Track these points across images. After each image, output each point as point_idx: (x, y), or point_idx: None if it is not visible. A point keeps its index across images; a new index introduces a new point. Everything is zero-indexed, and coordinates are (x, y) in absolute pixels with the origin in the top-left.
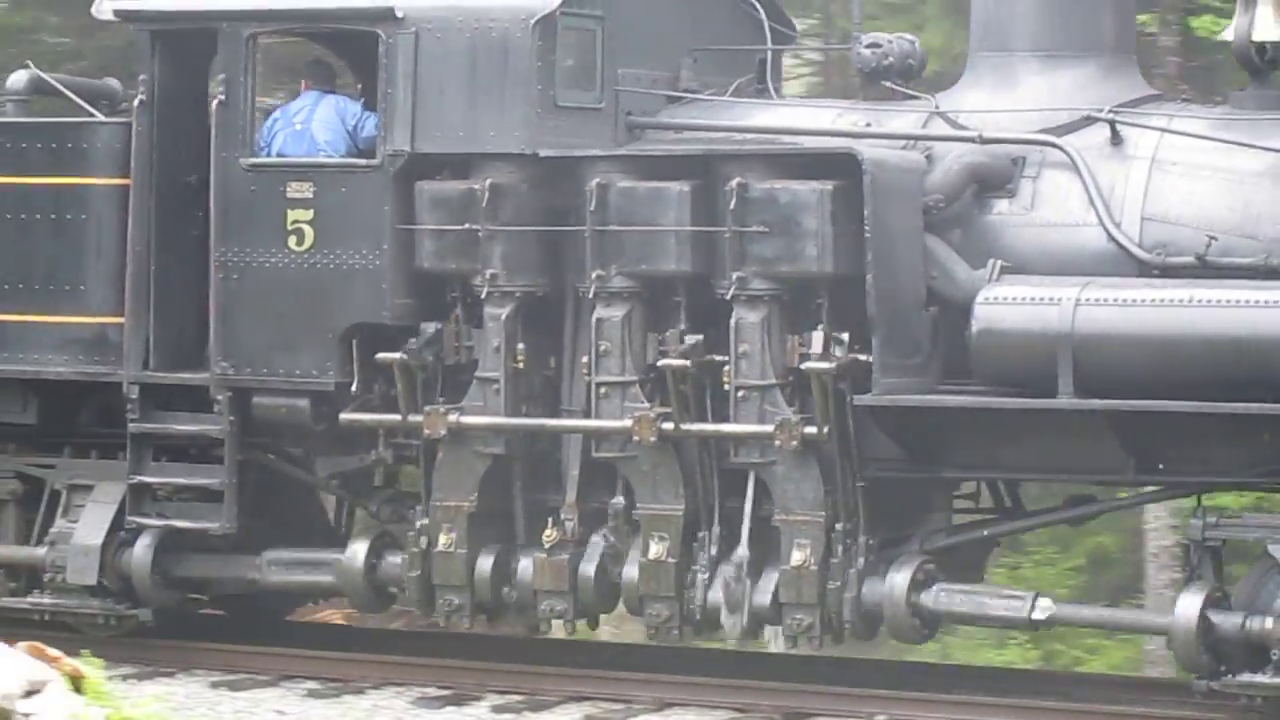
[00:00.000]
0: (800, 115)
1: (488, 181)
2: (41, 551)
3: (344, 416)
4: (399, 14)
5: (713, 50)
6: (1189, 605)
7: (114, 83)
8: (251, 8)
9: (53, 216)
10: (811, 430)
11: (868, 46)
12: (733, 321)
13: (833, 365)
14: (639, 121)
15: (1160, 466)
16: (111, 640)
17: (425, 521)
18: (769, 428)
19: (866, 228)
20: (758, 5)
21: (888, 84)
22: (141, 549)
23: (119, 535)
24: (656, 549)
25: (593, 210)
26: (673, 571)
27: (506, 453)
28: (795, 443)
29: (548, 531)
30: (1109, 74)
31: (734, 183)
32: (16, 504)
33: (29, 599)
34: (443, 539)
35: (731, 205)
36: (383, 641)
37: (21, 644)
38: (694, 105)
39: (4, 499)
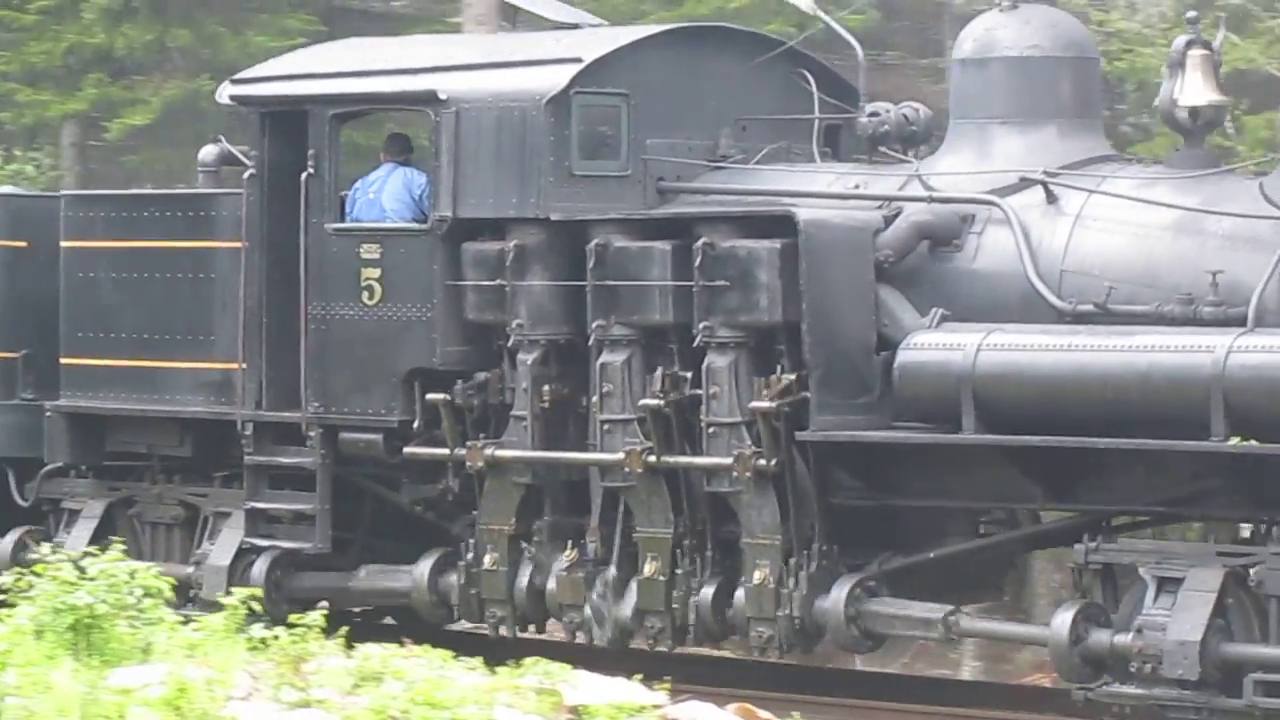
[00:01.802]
0: (804, 179)
1: (513, 243)
2: (189, 570)
3: (407, 450)
4: (442, 96)
5: (760, 119)
6: (1063, 620)
7: None
8: (332, 92)
9: (189, 276)
10: (763, 463)
11: (869, 115)
12: (704, 365)
13: (774, 405)
14: (669, 186)
15: (1069, 495)
16: None
17: (474, 542)
18: (729, 460)
19: (801, 281)
20: (809, 78)
21: (883, 149)
22: (259, 567)
23: (248, 556)
24: (650, 567)
25: (592, 267)
26: (663, 588)
27: (534, 482)
28: (749, 474)
29: (567, 552)
30: (1068, 137)
31: (700, 242)
32: (180, 528)
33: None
34: (487, 558)
35: (699, 262)
36: None
37: (731, 705)
38: (726, 171)
39: (170, 523)
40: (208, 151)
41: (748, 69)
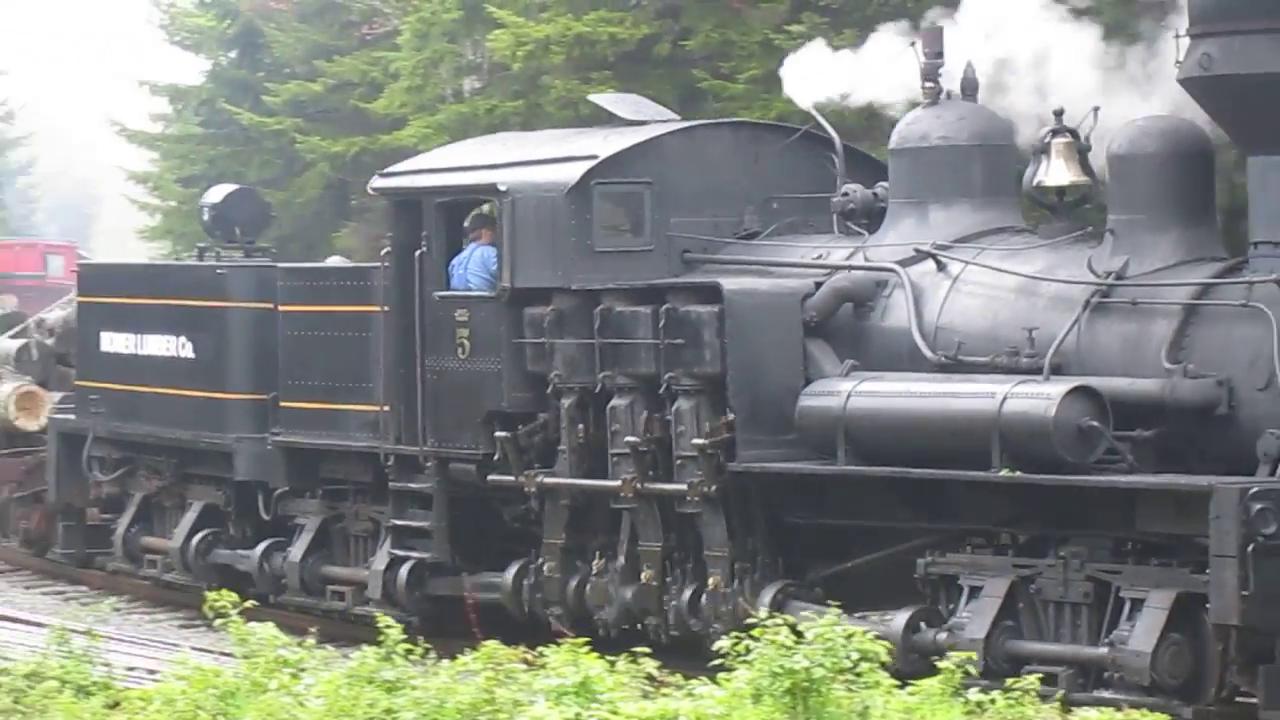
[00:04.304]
0: (794, 251)
1: (552, 308)
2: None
3: (490, 478)
4: (501, 187)
5: (785, 197)
6: (900, 620)
7: None
8: (434, 185)
9: (355, 334)
10: (704, 489)
11: (841, 195)
12: (673, 409)
13: (707, 441)
14: (694, 258)
15: (935, 515)
16: None
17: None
18: (683, 486)
19: (725, 340)
20: (834, 159)
21: (850, 224)
22: (401, 573)
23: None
24: (646, 575)
25: (599, 328)
26: (655, 592)
27: (573, 504)
28: (697, 498)
29: (596, 562)
30: (980, 211)
31: (665, 307)
32: (371, 538)
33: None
34: (546, 567)
35: (662, 324)
36: None
37: None
38: (744, 244)
39: (361, 535)
40: None
41: (775, 152)
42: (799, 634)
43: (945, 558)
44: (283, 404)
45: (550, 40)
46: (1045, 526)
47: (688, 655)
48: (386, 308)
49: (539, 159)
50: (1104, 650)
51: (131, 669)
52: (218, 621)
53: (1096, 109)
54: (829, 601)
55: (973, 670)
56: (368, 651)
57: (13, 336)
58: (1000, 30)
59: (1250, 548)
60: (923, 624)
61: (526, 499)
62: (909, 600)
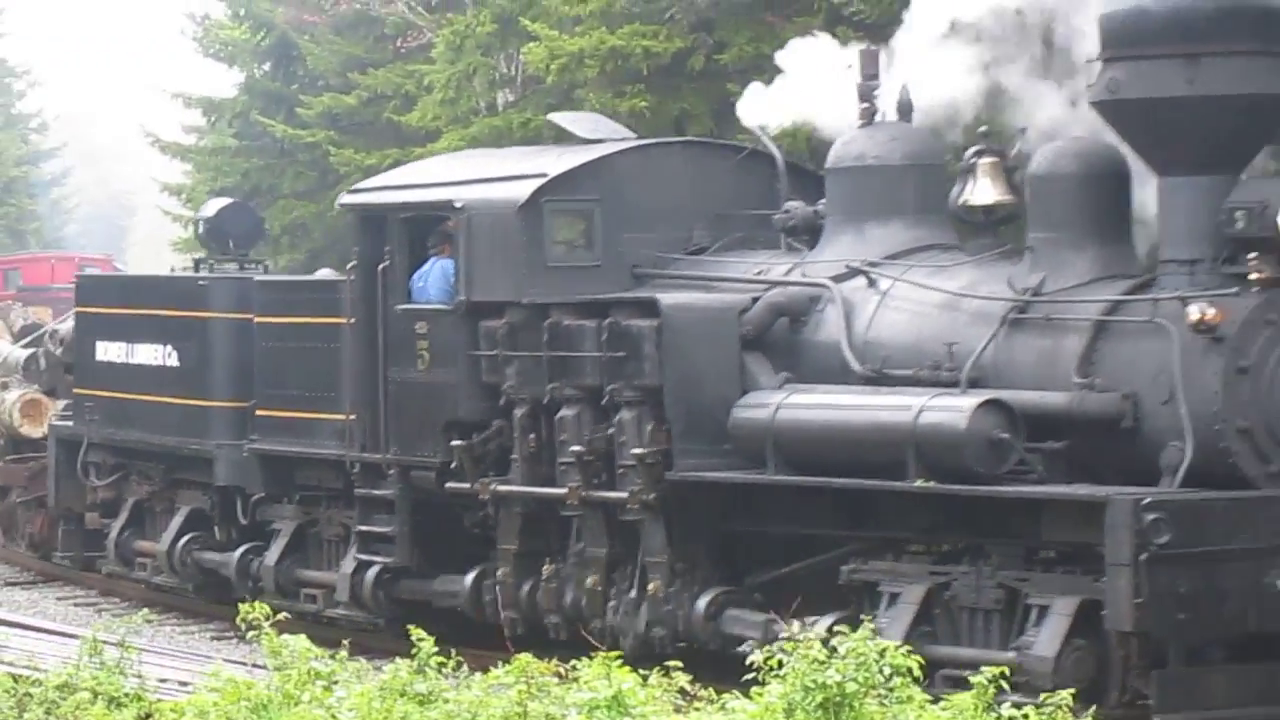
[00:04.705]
0: (738, 266)
1: (505, 321)
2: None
3: (448, 486)
4: (458, 204)
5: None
6: (821, 625)
7: None
8: (397, 201)
9: (325, 345)
10: (644, 497)
11: (783, 212)
12: (616, 419)
13: (645, 451)
14: (643, 273)
15: (860, 525)
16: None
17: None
18: (624, 495)
19: (663, 352)
20: (780, 175)
21: (790, 241)
22: (367, 577)
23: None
24: (591, 580)
25: (547, 340)
26: (600, 597)
27: (525, 510)
28: (637, 506)
29: (547, 567)
30: (912, 229)
31: (608, 321)
32: (344, 542)
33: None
34: (501, 572)
35: (605, 337)
36: None
37: None
38: (691, 260)
39: (334, 540)
40: None
41: (725, 170)
42: (832, 648)
43: (867, 565)
44: (259, 412)
45: (584, 53)
46: (962, 535)
47: (718, 668)
48: (353, 320)
49: (494, 176)
50: (1011, 655)
51: (164, 681)
52: (250, 634)
53: (1024, 130)
54: (767, 607)
55: (1005, 685)
56: (400, 664)
57: (25, 346)
58: (938, 51)
59: (1143, 556)
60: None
61: (484, 506)
62: (840, 606)
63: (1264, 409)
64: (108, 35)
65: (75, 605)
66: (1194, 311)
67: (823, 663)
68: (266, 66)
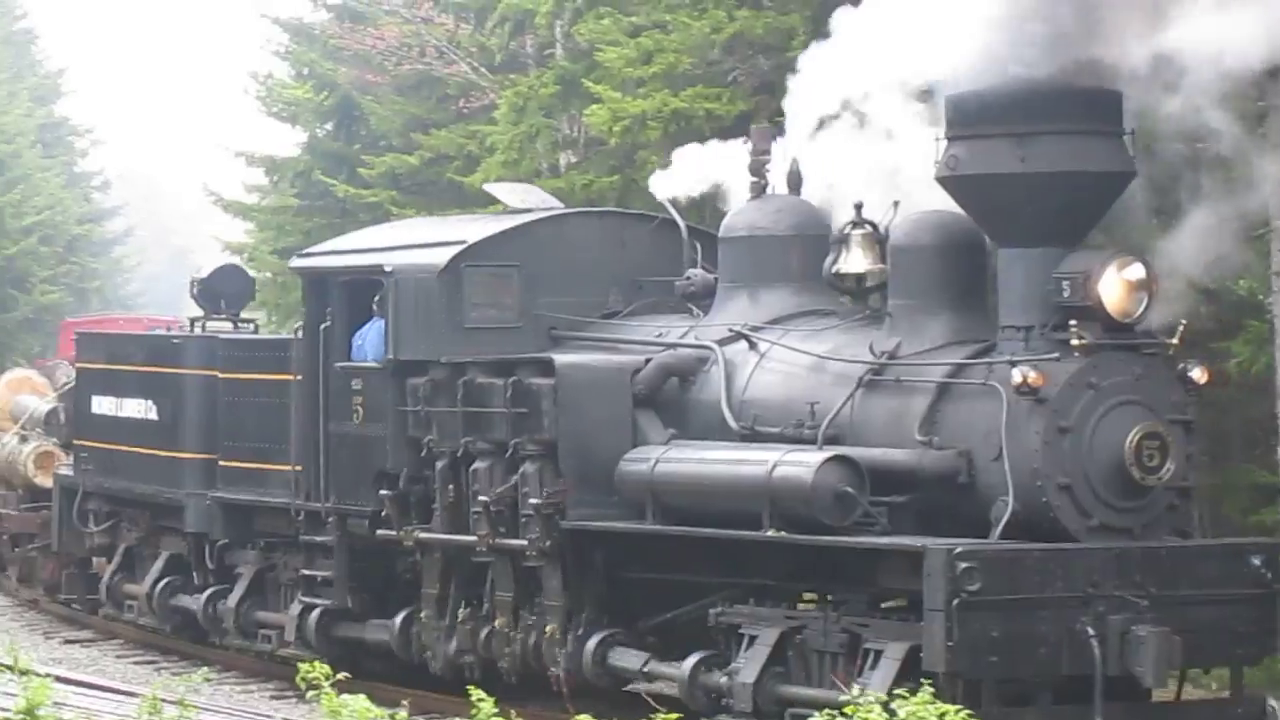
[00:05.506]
0: (642, 329)
1: (427, 378)
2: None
3: (378, 533)
4: (387, 268)
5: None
6: (689, 664)
7: None
8: (336, 265)
9: (275, 400)
10: (541, 544)
11: (684, 279)
12: (520, 471)
13: (541, 501)
14: (560, 334)
15: (729, 571)
16: None
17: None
18: (525, 542)
19: (558, 409)
20: (696, 246)
21: (691, 305)
22: (310, 619)
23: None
24: (500, 622)
25: (461, 397)
26: (507, 638)
27: (445, 556)
28: (535, 552)
29: (463, 610)
30: (797, 295)
31: (512, 380)
32: (299, 585)
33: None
34: (424, 614)
35: (509, 394)
36: None
37: None
38: (604, 322)
39: (289, 584)
40: None
41: (640, 237)
42: (891, 711)
43: (732, 609)
44: (222, 463)
45: (647, 115)
46: (813, 583)
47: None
48: (299, 376)
49: (420, 243)
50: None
51: None
52: (310, 693)
53: (897, 203)
54: (659, 648)
55: None
56: None
57: (52, 401)
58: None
59: (955, 602)
60: (709, 668)
61: (410, 552)
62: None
63: (1085, 466)
64: (171, 94)
65: (135, 664)
66: (1016, 375)
67: None
68: (329, 126)
